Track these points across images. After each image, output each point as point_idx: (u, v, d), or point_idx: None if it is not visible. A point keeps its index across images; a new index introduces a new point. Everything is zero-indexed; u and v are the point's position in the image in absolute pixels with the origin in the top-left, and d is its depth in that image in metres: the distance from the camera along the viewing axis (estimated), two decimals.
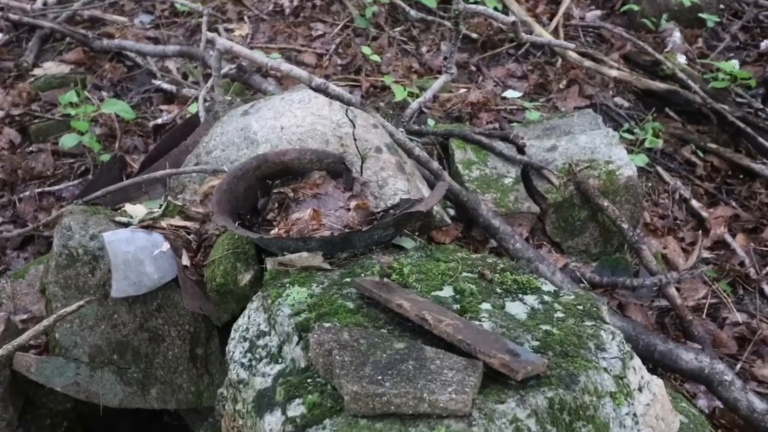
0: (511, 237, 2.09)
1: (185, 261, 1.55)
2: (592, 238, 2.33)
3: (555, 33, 3.48)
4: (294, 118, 1.71)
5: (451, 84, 3.22)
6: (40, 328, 1.41)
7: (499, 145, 2.44)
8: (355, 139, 1.68)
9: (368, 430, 0.93)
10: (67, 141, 2.59)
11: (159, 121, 3.01)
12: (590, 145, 2.39)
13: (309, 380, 1.08)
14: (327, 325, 1.13)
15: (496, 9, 3.58)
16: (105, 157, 2.72)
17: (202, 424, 1.90)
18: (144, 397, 1.61)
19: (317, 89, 1.87)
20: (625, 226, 2.17)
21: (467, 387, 0.93)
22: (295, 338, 1.18)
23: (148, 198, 1.83)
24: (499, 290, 1.30)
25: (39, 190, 2.63)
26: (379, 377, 0.96)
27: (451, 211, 2.20)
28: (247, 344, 1.31)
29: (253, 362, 1.27)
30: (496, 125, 2.67)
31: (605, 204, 2.19)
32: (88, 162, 2.78)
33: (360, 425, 0.94)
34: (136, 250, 1.54)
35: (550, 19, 3.63)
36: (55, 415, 1.71)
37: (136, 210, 1.69)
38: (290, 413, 1.02)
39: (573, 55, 3.18)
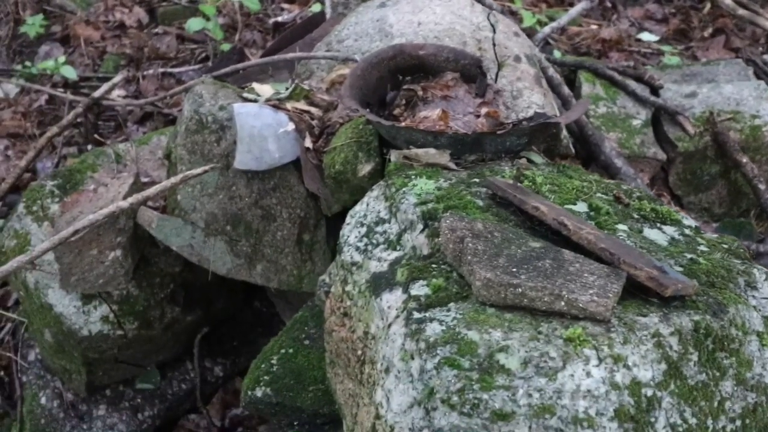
0: (632, 180, 1.97)
1: (308, 143, 1.55)
2: (719, 197, 2.16)
3: None
4: (433, 14, 1.64)
5: (582, 18, 3.02)
6: (167, 184, 1.46)
7: (632, 84, 2.28)
8: (494, 45, 1.59)
9: (497, 318, 0.90)
10: (193, 24, 2.63)
11: (279, 18, 3.01)
12: (736, 96, 2.19)
13: (434, 266, 1.06)
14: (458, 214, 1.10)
15: None
16: (225, 47, 2.76)
17: (291, 314, 1.96)
18: (250, 270, 1.66)
19: None
20: (762, 186, 1.99)
21: (609, 293, 0.88)
22: (420, 226, 1.16)
23: (274, 81, 1.83)
24: (636, 215, 1.22)
25: (162, 70, 2.72)
26: (514, 269, 0.93)
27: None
28: (363, 229, 1.30)
29: (369, 247, 1.26)
30: (630, 64, 2.49)
31: (744, 160, 2.01)
32: (209, 49, 2.83)
33: (488, 312, 0.92)
34: (261, 126, 1.56)
35: None
36: (165, 275, 1.80)
37: (263, 89, 1.70)
38: (413, 292, 1.01)
39: (726, 0, 2.88)
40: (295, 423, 1.52)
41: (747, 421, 0.91)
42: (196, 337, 1.98)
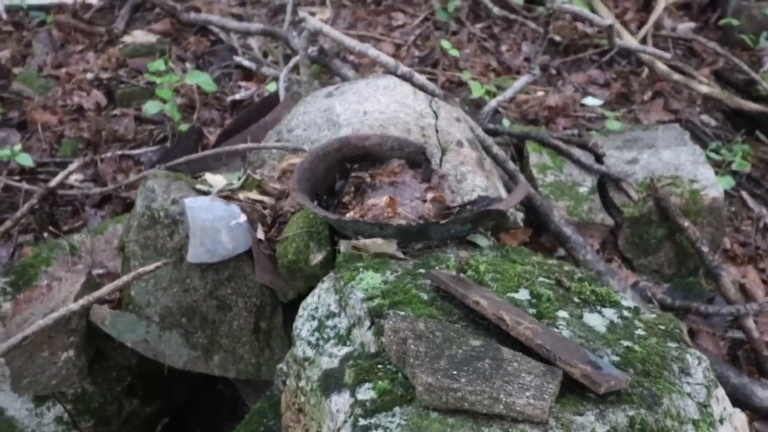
0: (582, 247, 2.03)
1: (260, 235, 1.57)
2: (667, 259, 2.24)
3: (643, 42, 3.35)
4: (378, 103, 1.71)
5: (529, 86, 3.16)
6: (119, 283, 1.46)
7: (577, 152, 2.38)
8: (437, 131, 1.66)
9: (439, 424, 0.92)
10: (150, 107, 2.67)
11: (237, 96, 3.07)
12: (674, 162, 2.30)
13: (380, 366, 1.07)
14: (401, 313, 1.12)
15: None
16: (183, 127, 2.80)
17: (255, 397, 1.94)
18: (207, 362, 1.64)
19: (402, 77, 1.86)
20: (705, 249, 2.07)
21: (546, 394, 0.91)
22: (367, 323, 1.18)
23: (227, 169, 1.86)
24: (576, 299, 1.26)
25: (120, 152, 2.73)
26: (454, 372, 0.95)
27: (521, 215, 2.16)
28: (315, 323, 1.32)
29: (321, 342, 1.28)
30: (574, 131, 2.60)
31: (686, 224, 2.10)
32: (167, 130, 2.87)
33: (431, 418, 0.93)
34: (213, 219, 1.58)
35: (639, 28, 3.51)
36: (121, 369, 1.77)
37: (216, 180, 1.72)
38: (360, 396, 1.02)
39: (661, 67, 3.06)
40: None
41: None
42: (157, 428, 1.93)
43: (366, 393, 1.03)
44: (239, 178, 1.73)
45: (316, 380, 1.21)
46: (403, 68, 1.89)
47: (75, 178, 2.61)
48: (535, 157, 2.37)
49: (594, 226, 2.20)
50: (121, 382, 1.78)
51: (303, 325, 1.35)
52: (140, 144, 2.82)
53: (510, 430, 0.89)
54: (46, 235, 2.33)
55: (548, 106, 2.99)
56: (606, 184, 2.30)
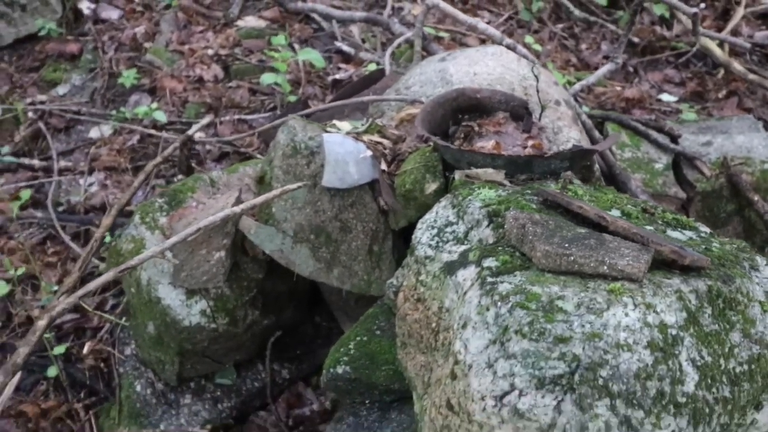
0: None
1: (383, 167, 1.87)
2: (735, 232, 2.42)
3: (720, 48, 3.52)
4: (486, 66, 1.98)
5: (607, 80, 3.38)
6: (270, 196, 1.78)
7: (653, 134, 2.59)
8: (537, 91, 1.92)
9: (554, 279, 1.18)
10: (267, 78, 3.03)
11: (337, 76, 3.41)
12: (747, 145, 2.48)
13: (499, 248, 1.34)
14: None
15: (663, 17, 3.69)
16: (292, 99, 3.15)
17: (350, 325, 2.23)
18: (328, 274, 1.94)
19: (507, 47, 2.13)
20: None
21: (641, 260, 1.15)
22: (485, 222, 1.45)
23: (350, 120, 2.18)
24: (660, 222, 1.50)
25: (237, 116, 3.10)
26: (566, 245, 1.21)
27: (602, 179, 2.39)
28: (434, 231, 1.59)
29: (440, 243, 1.55)
30: (652, 117, 2.81)
31: (756, 198, 2.28)
32: (276, 101, 3.23)
33: (546, 276, 1.19)
34: (344, 153, 1.88)
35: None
36: (250, 281, 2.08)
37: (342, 125, 2.04)
38: (485, 265, 1.29)
39: (738, 67, 3.23)
40: (367, 401, 1.76)
41: (753, 366, 1.15)
42: (269, 340, 2.24)
43: (490, 263, 1.29)
44: (362, 125, 2.03)
45: (437, 270, 1.49)
46: (508, 40, 2.17)
47: (198, 136, 2.99)
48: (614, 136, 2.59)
49: (667, 197, 2.41)
50: (248, 292, 2.10)
51: (422, 234, 1.62)
52: (253, 111, 3.19)
53: (612, 283, 1.14)
54: (177, 179, 2.70)
55: (626, 97, 3.20)
56: (680, 163, 2.50)
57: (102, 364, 2.20)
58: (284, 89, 3.14)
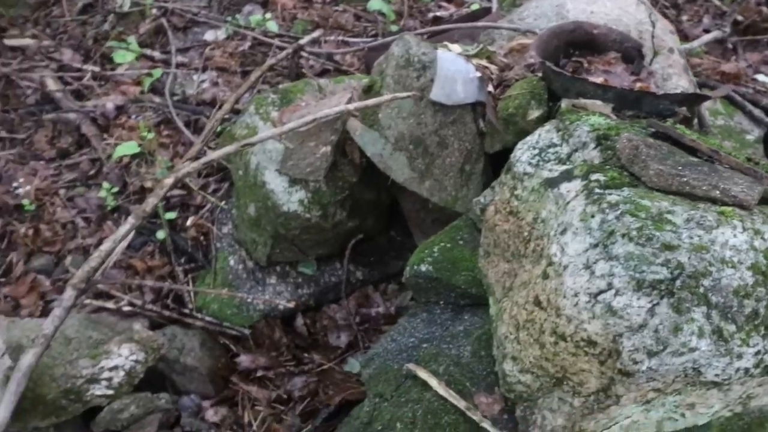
0: None
1: (490, 88, 1.85)
2: None
3: None
4: (604, 7, 1.91)
5: (703, 53, 3.20)
6: (382, 100, 1.79)
7: (749, 106, 2.46)
8: (652, 36, 1.85)
9: (663, 197, 1.16)
10: (374, 4, 3.02)
11: (438, 13, 3.35)
12: None
13: (606, 166, 1.33)
14: None
15: None
16: (393, 28, 3.13)
17: (424, 240, 2.26)
18: (420, 185, 1.97)
19: None
20: None
21: (754, 190, 1.12)
22: (592, 145, 1.43)
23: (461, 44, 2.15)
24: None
25: (341, 38, 3.11)
26: (679, 168, 1.18)
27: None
28: (535, 151, 1.58)
29: (540, 162, 1.54)
30: (749, 91, 2.66)
31: None
32: (378, 28, 3.21)
33: (656, 194, 1.18)
34: (454, 71, 1.87)
35: None
36: (344, 182, 2.12)
37: (454, 47, 2.02)
38: (592, 178, 1.28)
39: None
40: (441, 302, 1.81)
41: None
42: (350, 242, 2.30)
43: (598, 177, 1.28)
44: (473, 49, 2.01)
45: (536, 184, 1.48)
46: None
47: (308, 49, 3.02)
48: (710, 102, 2.48)
49: None
50: (341, 193, 2.15)
51: (522, 154, 1.62)
52: (356, 35, 3.18)
53: (722, 207, 1.11)
54: (280, 86, 2.75)
55: (722, 71, 3.03)
56: None
57: (202, 238, 2.32)
58: (388, 17, 3.11)
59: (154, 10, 3.26)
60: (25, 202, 2.41)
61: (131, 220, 1.60)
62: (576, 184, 1.32)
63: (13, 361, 1.48)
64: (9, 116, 2.81)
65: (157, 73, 2.75)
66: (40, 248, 2.30)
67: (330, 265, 2.36)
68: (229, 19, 3.21)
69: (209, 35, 3.19)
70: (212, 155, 1.69)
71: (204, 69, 2.96)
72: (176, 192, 2.44)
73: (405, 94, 1.82)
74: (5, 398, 1.36)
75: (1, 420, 1.34)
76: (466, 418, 1.36)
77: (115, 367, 1.65)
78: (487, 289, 1.66)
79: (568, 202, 1.31)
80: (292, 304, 2.03)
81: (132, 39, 3.04)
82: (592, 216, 1.20)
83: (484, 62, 1.97)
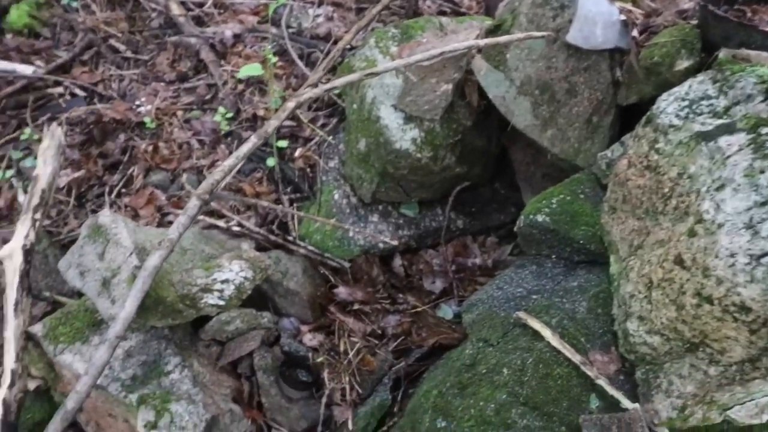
0: None
1: (634, 33, 1.70)
2: None
3: None
4: None
5: None
6: (513, 38, 1.69)
7: None
8: None
9: None
10: None
11: None
12: None
13: None
14: None
15: None
16: None
17: (529, 196, 2.16)
18: (541, 133, 1.86)
19: None
20: None
21: None
22: (760, 98, 1.28)
23: None
24: None
25: None
26: None
27: None
28: (684, 103, 1.44)
29: (691, 115, 1.40)
30: None
31: None
32: None
33: None
34: (596, 13, 1.73)
35: None
36: (458, 126, 2.05)
37: None
38: (762, 132, 1.14)
39: None
40: (553, 256, 1.73)
41: None
42: (455, 189, 2.25)
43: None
44: None
45: (684, 138, 1.35)
46: None
47: None
48: None
49: None
50: (454, 136, 2.08)
51: (668, 105, 1.48)
52: None
53: None
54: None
55: None
56: None
57: (308, 169, 2.34)
58: None
59: None
60: (147, 120, 2.51)
61: (253, 139, 1.62)
62: (739, 138, 1.19)
63: (139, 261, 1.56)
64: (134, 38, 2.92)
65: (276, 4, 2.75)
66: (158, 164, 2.40)
67: (431, 210, 2.32)
68: None
69: None
70: (335, 82, 1.66)
71: (320, 3, 2.93)
72: (287, 123, 2.46)
73: (539, 33, 1.71)
74: (132, 293, 1.44)
75: (128, 312, 1.42)
76: (579, 373, 1.30)
77: (226, 281, 1.71)
78: (608, 246, 1.57)
79: (728, 157, 1.18)
80: (395, 242, 2.01)
81: None
82: (762, 172, 1.07)
83: (628, 5, 1.81)
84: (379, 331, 2.01)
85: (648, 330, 1.22)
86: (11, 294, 1.74)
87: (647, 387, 1.22)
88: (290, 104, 1.69)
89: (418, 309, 2.12)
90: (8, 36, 2.83)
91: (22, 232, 1.84)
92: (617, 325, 1.36)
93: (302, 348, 1.84)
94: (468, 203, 2.39)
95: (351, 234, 2.15)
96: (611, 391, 1.23)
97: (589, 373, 1.26)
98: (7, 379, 1.63)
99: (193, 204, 1.51)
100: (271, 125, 1.65)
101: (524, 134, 1.93)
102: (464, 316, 1.69)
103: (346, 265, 2.11)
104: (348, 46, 2.33)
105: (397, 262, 2.22)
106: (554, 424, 1.22)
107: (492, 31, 2.01)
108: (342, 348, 1.89)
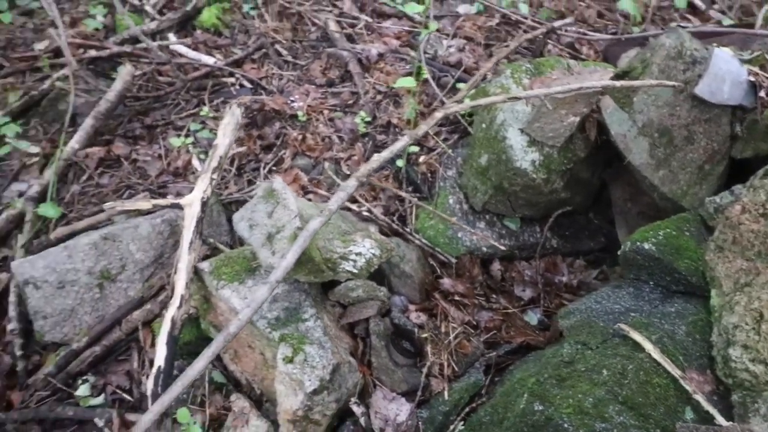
0: None
1: (762, 94, 1.66)
2: None
3: None
4: None
5: None
6: (647, 83, 1.70)
7: None
8: None
9: None
10: (624, 4, 2.83)
11: (682, 24, 3.07)
12: None
13: None
14: None
15: None
16: (635, 29, 2.93)
17: (625, 231, 2.13)
18: (653, 172, 1.85)
19: None
20: None
21: None
22: None
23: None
24: None
25: (580, 30, 2.98)
26: None
27: None
28: None
29: None
30: None
31: None
32: (619, 27, 3.03)
33: None
34: (726, 70, 1.71)
35: None
36: (572, 156, 2.08)
37: (725, 50, 1.83)
38: None
39: None
40: (651, 282, 1.71)
41: None
42: (556, 211, 2.26)
43: None
44: (748, 54, 1.81)
45: None
46: None
47: (535, 33, 2.95)
48: None
49: None
50: (567, 164, 2.10)
51: None
52: (596, 30, 3.04)
53: None
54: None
55: None
56: None
57: (429, 175, 2.42)
58: (634, 18, 2.92)
59: None
60: (299, 113, 2.70)
61: (405, 138, 1.72)
62: None
63: (300, 223, 1.69)
64: (295, 45, 3.13)
65: (426, 32, 2.88)
66: (303, 151, 2.57)
67: (531, 227, 2.34)
68: None
69: (462, 8, 3.25)
70: (480, 101, 1.74)
71: (454, 36, 3.03)
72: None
73: (670, 83, 1.71)
74: (293, 248, 1.56)
75: (288, 262, 1.55)
76: (676, 386, 1.29)
77: (359, 254, 1.81)
78: (711, 281, 1.54)
79: None
80: (502, 247, 2.05)
81: (399, 0, 3.21)
82: None
83: (756, 68, 1.77)
84: (474, 323, 2.05)
85: (752, 359, 1.20)
86: (187, 234, 1.92)
87: (744, 410, 1.19)
88: (438, 114, 1.78)
89: (509, 310, 2.15)
90: (198, 31, 3.12)
91: (201, 187, 2.03)
92: (716, 351, 1.34)
93: (409, 323, 1.92)
94: (564, 226, 2.40)
95: (460, 234, 2.21)
96: (707, 406, 1.22)
97: (687, 387, 1.25)
98: (176, 301, 1.81)
99: (351, 183, 1.63)
100: (422, 129, 1.75)
101: (631, 172, 1.92)
102: (561, 321, 1.70)
103: (453, 260, 2.17)
104: (484, 76, 2.40)
105: (496, 266, 2.26)
106: (650, 425, 1.22)
107: (620, 77, 2.02)
108: (443, 329, 1.94)
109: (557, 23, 2.55)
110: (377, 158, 1.67)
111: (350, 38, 3.10)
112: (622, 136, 1.86)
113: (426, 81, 2.73)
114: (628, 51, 2.27)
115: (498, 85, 2.16)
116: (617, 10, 3.07)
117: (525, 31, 2.79)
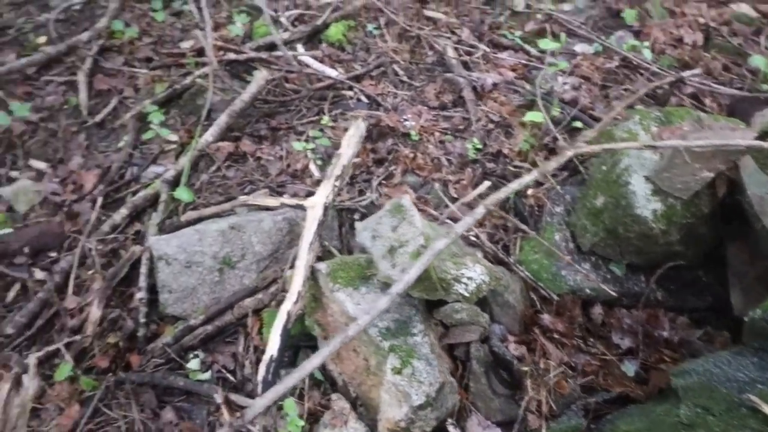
0: None
1: None
2: None
3: None
4: None
5: None
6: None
7: None
8: None
9: None
10: (756, 60, 2.67)
11: None
12: None
13: None
14: None
15: None
16: (764, 86, 2.75)
17: (738, 293, 1.98)
18: None
19: None
20: None
21: None
22: None
23: None
24: None
25: (704, 82, 2.84)
26: None
27: None
28: None
29: None
30: None
31: None
32: (747, 83, 2.85)
33: None
34: None
35: None
36: (697, 209, 1.96)
37: None
38: None
39: None
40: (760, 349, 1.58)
41: None
42: (665, 264, 2.14)
43: None
44: None
45: None
46: None
47: (661, 83, 2.83)
48: None
49: None
50: (688, 219, 1.99)
51: None
52: (722, 83, 2.88)
53: None
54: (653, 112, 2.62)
55: None
56: None
57: (536, 208, 2.37)
58: (765, 74, 2.74)
59: (539, 16, 3.35)
60: (412, 132, 2.72)
61: (534, 173, 1.69)
62: None
63: (424, 242, 1.69)
64: (411, 67, 3.18)
65: (553, 69, 2.84)
66: (413, 169, 2.59)
67: (636, 275, 2.23)
68: (602, 38, 3.16)
69: (579, 47, 3.18)
70: (614, 145, 1.68)
71: (570, 73, 2.97)
72: (522, 165, 2.53)
73: None
74: (417, 264, 1.57)
75: (411, 277, 1.56)
76: None
77: (471, 278, 1.79)
78: None
79: None
80: (615, 294, 1.97)
81: (517, 33, 3.19)
82: None
83: None
84: (572, 364, 1.97)
85: None
86: (308, 235, 1.98)
87: None
88: (569, 153, 1.74)
89: (606, 357, 2.05)
90: (324, 45, 3.24)
91: (324, 192, 2.09)
92: None
93: (509, 353, 1.87)
94: (670, 280, 2.27)
95: (564, 273, 2.14)
96: None
97: None
98: (293, 296, 1.86)
99: (480, 210, 1.62)
100: (551, 165, 1.71)
101: (757, 234, 1.79)
102: (674, 379, 1.60)
103: (555, 297, 2.10)
104: (612, 119, 2.33)
105: (596, 309, 2.16)
106: None
107: (760, 137, 1.90)
108: (542, 366, 1.88)
109: (686, 73, 2.44)
110: (506, 190, 1.65)
111: (466, 65, 3.10)
112: (758, 197, 1.74)
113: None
114: (764, 110, 2.12)
115: (625, 130, 2.08)
116: (744, 65, 2.90)
117: (649, 79, 2.68)
